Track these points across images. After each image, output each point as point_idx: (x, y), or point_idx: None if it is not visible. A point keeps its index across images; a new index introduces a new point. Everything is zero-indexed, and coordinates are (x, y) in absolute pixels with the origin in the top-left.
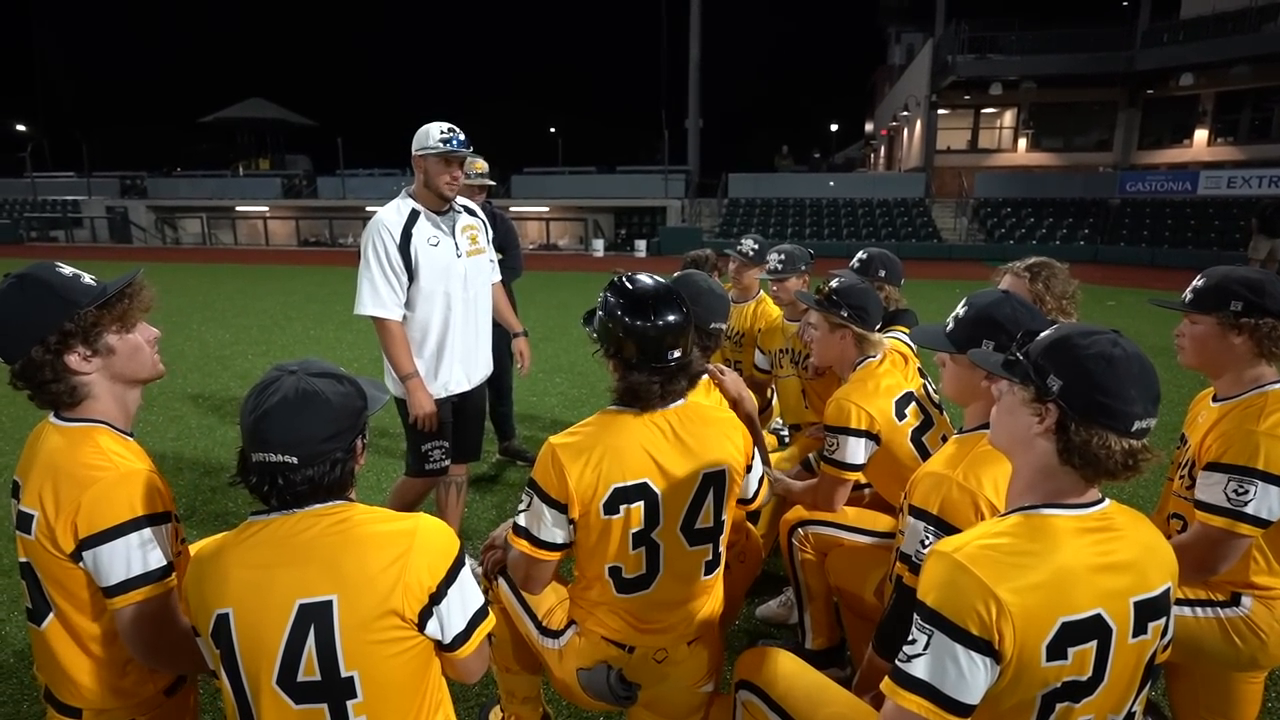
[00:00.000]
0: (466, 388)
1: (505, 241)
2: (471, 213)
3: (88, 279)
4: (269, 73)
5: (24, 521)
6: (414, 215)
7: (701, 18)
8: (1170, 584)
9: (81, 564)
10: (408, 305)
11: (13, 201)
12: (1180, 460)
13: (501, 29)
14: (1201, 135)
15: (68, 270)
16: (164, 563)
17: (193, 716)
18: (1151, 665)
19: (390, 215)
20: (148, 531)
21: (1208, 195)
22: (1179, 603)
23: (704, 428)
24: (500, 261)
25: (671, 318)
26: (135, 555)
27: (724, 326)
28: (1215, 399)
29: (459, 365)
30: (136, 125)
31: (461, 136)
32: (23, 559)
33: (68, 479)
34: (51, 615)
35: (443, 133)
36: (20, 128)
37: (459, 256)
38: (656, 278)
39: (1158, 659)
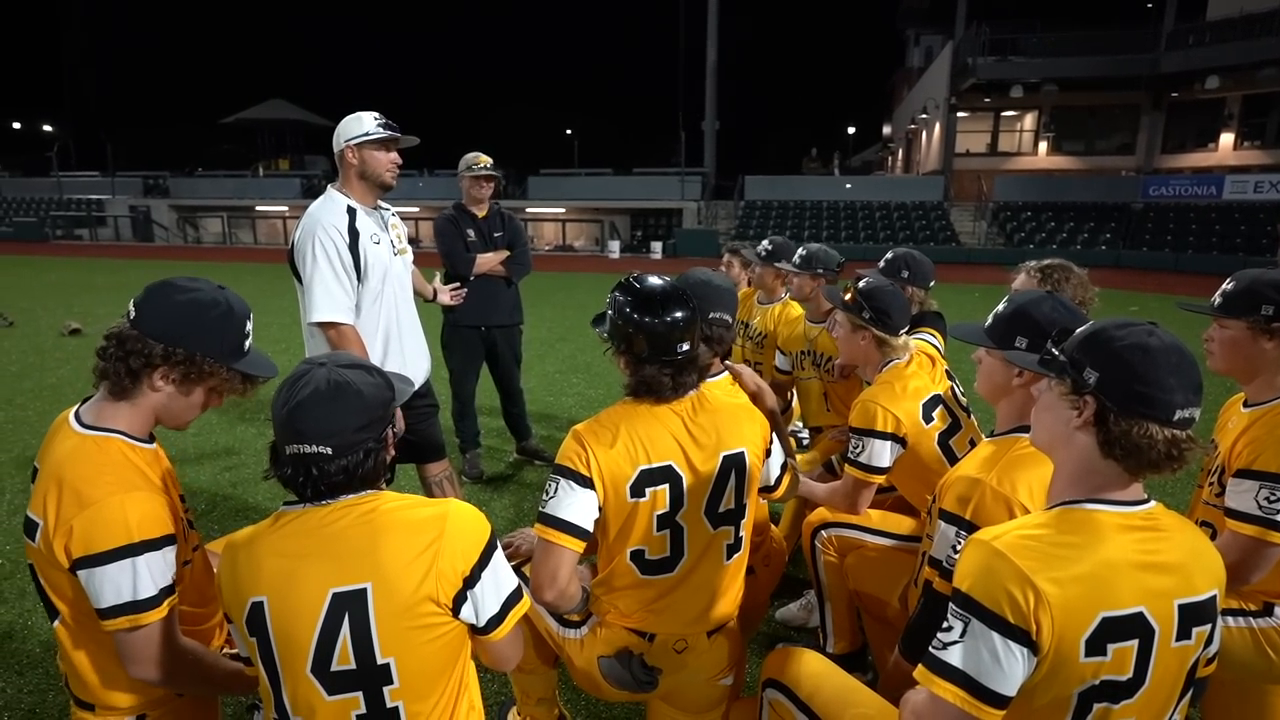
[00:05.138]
0: (414, 388)
1: (514, 240)
2: (390, 212)
3: (248, 345)
4: (290, 74)
5: (30, 527)
6: (352, 212)
7: (719, 20)
8: (1217, 591)
9: (78, 576)
10: (355, 308)
11: (39, 200)
12: (1210, 467)
13: (519, 31)
14: (1227, 139)
15: (249, 328)
16: (153, 591)
17: (210, 711)
18: (1193, 675)
19: (331, 214)
20: (140, 559)
21: (1233, 200)
22: None
23: (719, 413)
24: (510, 259)
25: (679, 313)
26: (125, 582)
27: (727, 317)
28: (1246, 404)
29: (408, 367)
30: (160, 126)
31: (393, 123)
32: (29, 560)
33: (69, 493)
34: (58, 619)
35: (377, 118)
36: (47, 128)
37: (395, 255)
38: (664, 277)
39: (1201, 672)
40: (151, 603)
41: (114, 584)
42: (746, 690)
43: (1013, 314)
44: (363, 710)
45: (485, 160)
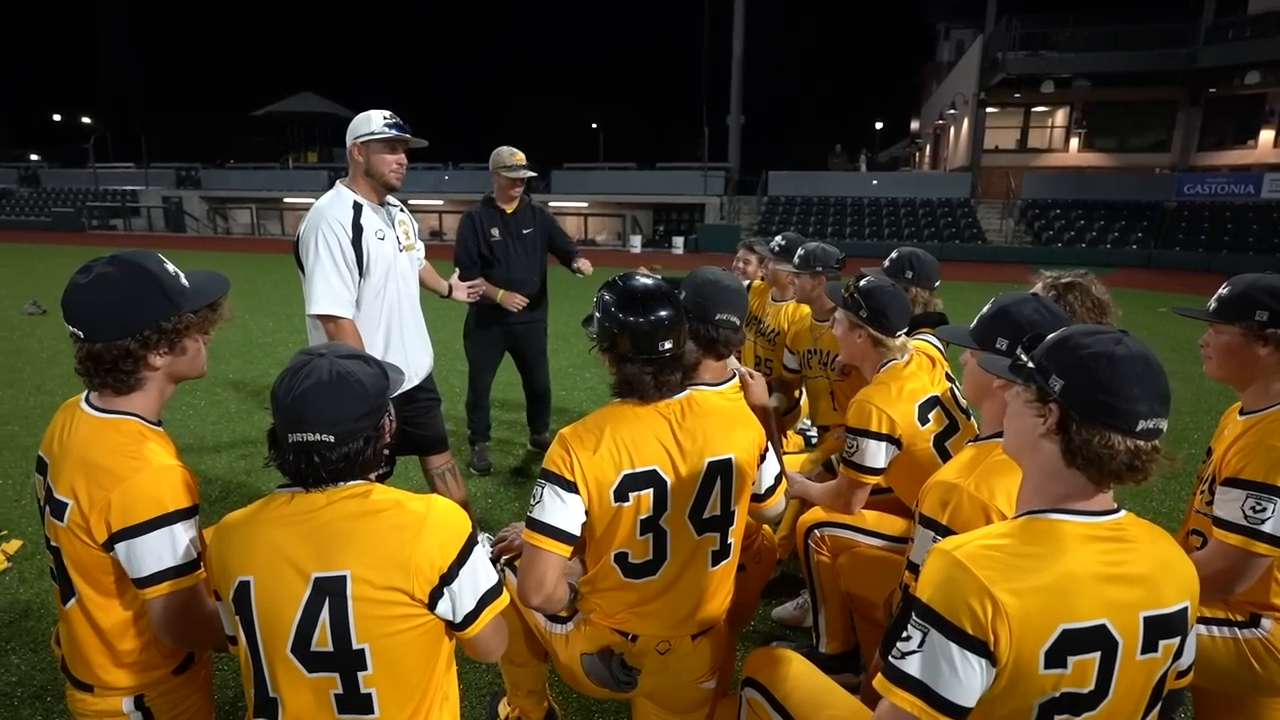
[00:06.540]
0: (416, 382)
1: (550, 233)
2: (399, 209)
3: (183, 279)
4: (319, 67)
5: (58, 509)
6: (358, 208)
7: (745, 13)
8: (1188, 603)
9: (113, 553)
10: (356, 303)
11: (76, 191)
12: (1204, 475)
13: (545, 25)
14: (1267, 136)
15: (170, 268)
16: (193, 556)
17: (204, 690)
18: (1161, 688)
19: (336, 208)
20: (178, 526)
21: (1273, 199)
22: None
23: (708, 417)
24: (564, 250)
25: (663, 313)
26: (165, 549)
27: (734, 318)
28: (1242, 412)
29: (409, 362)
30: (193, 118)
31: (403, 124)
32: (53, 543)
33: (102, 472)
34: (74, 599)
35: (386, 118)
36: (85, 120)
37: (400, 251)
38: (654, 277)
39: (1172, 685)
40: (191, 567)
41: (155, 552)
42: (734, 688)
43: (995, 315)
44: (340, 690)
45: (520, 158)
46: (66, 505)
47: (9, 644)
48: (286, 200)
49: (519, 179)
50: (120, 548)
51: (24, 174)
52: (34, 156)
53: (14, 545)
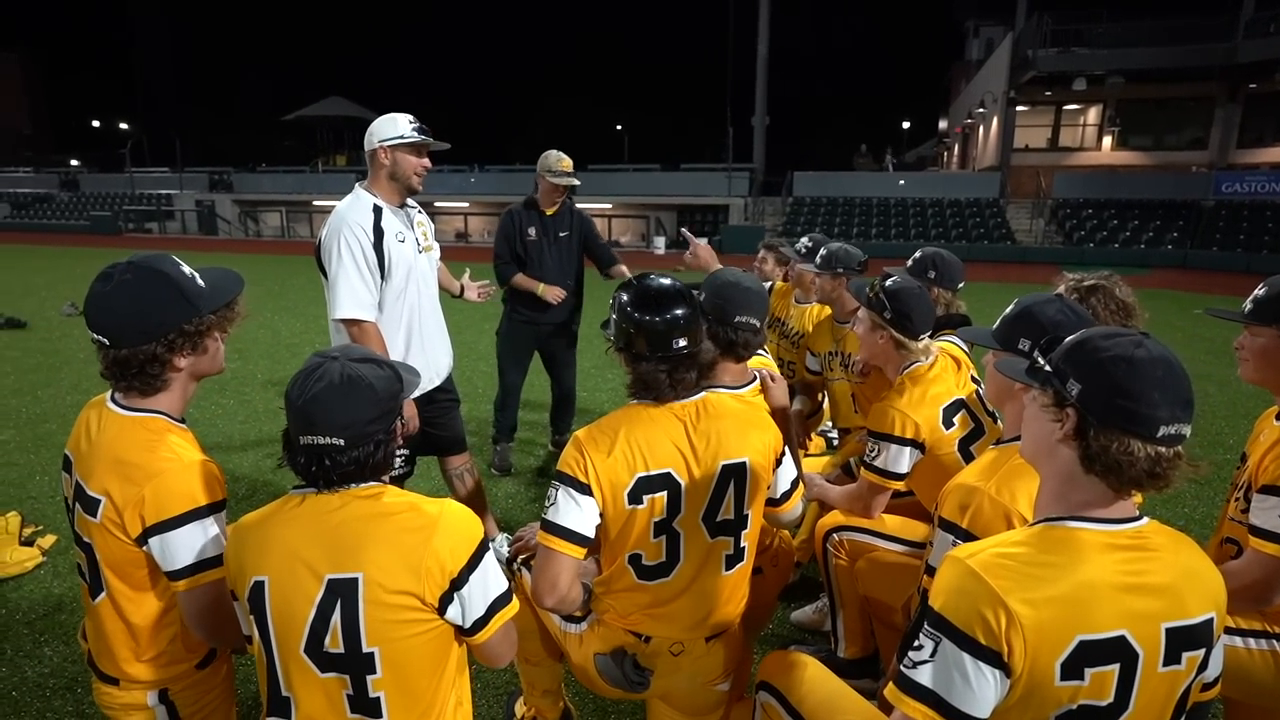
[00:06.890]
0: (437, 383)
1: (587, 237)
2: (417, 210)
3: (199, 280)
4: (347, 72)
5: (90, 505)
6: (378, 211)
7: (770, 13)
8: (1214, 614)
9: (146, 548)
10: (379, 305)
11: (113, 195)
12: (1238, 481)
13: (571, 26)
14: None
15: (186, 269)
16: (224, 548)
17: (226, 685)
18: (1185, 701)
19: (357, 212)
20: (209, 520)
21: None
22: (1230, 632)
23: (723, 420)
24: (601, 255)
25: (679, 311)
26: (198, 542)
27: (755, 321)
28: (1278, 417)
29: (430, 364)
30: (226, 122)
31: (426, 127)
32: (84, 539)
33: (134, 469)
34: (103, 594)
35: (411, 122)
36: (123, 125)
37: (420, 253)
38: (670, 277)
39: (1196, 697)
40: (221, 559)
41: (188, 545)
42: (750, 691)
43: (1018, 315)
44: (351, 691)
45: (568, 165)
46: (99, 502)
47: (42, 636)
48: (316, 203)
49: (563, 185)
50: (154, 542)
51: (64, 179)
52: (74, 161)
53: (49, 540)
